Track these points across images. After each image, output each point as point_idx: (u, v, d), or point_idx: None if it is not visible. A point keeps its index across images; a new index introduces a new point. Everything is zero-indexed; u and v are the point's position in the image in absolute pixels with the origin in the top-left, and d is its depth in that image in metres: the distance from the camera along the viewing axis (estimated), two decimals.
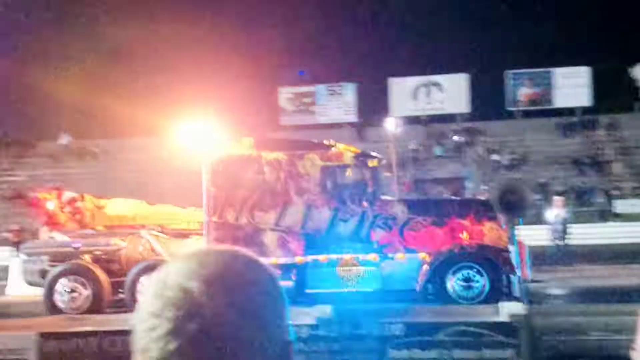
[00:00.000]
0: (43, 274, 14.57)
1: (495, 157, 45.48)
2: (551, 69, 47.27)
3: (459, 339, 9.87)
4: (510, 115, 47.64)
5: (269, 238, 13.73)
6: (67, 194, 15.61)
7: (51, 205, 15.23)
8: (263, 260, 1.24)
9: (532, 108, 47.51)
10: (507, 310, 10.47)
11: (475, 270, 13.20)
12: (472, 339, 9.83)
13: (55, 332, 11.38)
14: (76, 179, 41.32)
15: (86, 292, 14.16)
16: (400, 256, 13.46)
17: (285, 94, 47.94)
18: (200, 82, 42.09)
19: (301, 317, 10.48)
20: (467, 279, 13.16)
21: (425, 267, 13.34)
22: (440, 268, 13.31)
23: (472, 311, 11.37)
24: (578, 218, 29.62)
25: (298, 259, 13.66)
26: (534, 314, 10.70)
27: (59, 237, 14.94)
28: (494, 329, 9.71)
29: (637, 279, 16.16)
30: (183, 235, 14.87)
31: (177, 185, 40.06)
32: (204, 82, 42.17)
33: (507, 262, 13.11)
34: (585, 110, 47.42)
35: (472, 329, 9.91)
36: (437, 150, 44.80)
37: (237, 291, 1.15)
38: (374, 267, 13.50)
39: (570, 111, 47.31)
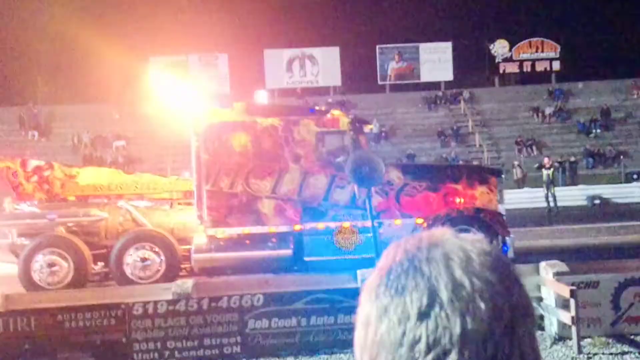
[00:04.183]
0: (13, 248, 13.51)
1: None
2: (417, 44, 48.93)
3: (315, 306, 10.25)
4: (381, 88, 48.92)
5: (266, 206, 13.48)
6: (33, 163, 14.45)
7: (15, 174, 14.04)
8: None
9: (400, 82, 49.02)
10: (362, 276, 10.66)
11: (471, 233, 13.63)
12: (328, 305, 10.22)
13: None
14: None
15: (67, 266, 13.27)
16: (397, 222, 13.65)
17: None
18: None
19: (159, 293, 10.57)
20: None
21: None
22: None
23: (329, 279, 11.58)
24: None
25: (295, 227, 13.52)
26: None
27: (28, 208, 13.84)
28: (349, 295, 10.00)
29: None
30: (165, 204, 14.24)
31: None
32: None
33: (502, 224, 13.68)
34: (449, 85, 49.62)
35: (326, 296, 10.30)
36: None
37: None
38: (372, 234, 13.56)
39: (434, 85, 49.32)
